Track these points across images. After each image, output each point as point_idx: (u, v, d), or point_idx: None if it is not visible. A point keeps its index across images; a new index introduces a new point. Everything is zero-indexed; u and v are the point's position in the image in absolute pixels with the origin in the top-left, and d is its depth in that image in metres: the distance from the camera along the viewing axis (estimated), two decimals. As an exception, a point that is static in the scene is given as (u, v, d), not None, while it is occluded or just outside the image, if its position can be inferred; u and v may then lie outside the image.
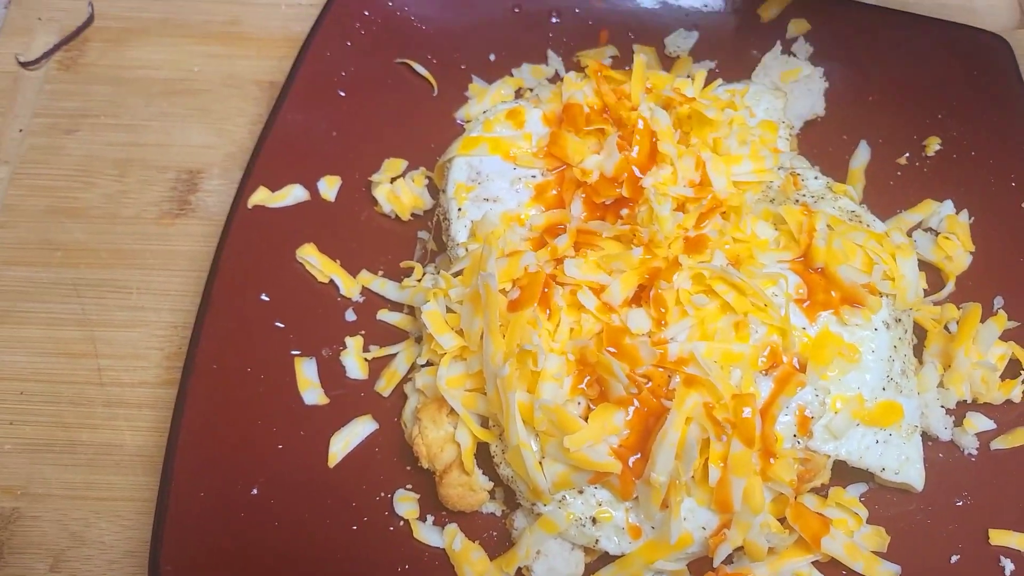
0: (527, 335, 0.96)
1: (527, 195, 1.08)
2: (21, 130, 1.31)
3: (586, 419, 0.94)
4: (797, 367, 0.97)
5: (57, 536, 1.06)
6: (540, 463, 0.95)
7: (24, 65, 1.36)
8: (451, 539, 1.01)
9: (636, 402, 0.95)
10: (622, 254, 1.00)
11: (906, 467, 1.01)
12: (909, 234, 1.16)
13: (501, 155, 1.11)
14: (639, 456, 0.94)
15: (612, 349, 0.96)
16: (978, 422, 1.05)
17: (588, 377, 0.96)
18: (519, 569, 0.99)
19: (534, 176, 1.09)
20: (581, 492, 0.97)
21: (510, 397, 0.94)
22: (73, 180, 1.28)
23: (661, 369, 0.96)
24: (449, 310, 1.04)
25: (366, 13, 1.29)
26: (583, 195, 1.06)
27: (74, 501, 1.08)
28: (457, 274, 1.04)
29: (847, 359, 0.98)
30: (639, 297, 0.99)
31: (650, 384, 0.96)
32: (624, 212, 1.06)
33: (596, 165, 1.08)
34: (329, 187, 1.18)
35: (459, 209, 1.09)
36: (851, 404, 0.98)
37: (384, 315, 1.13)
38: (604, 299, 0.98)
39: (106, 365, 1.15)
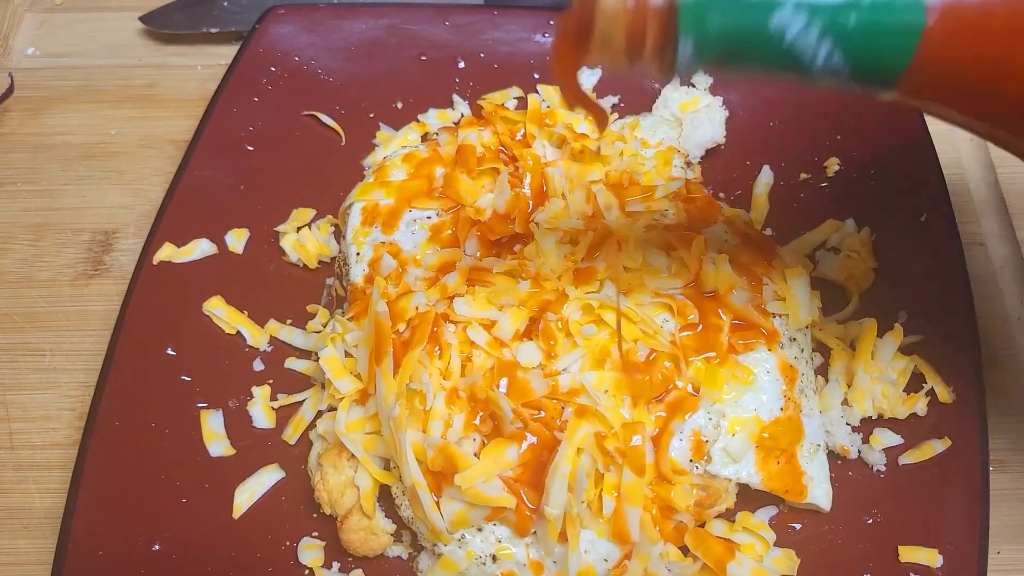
0: (417, 374, 0.96)
1: (423, 236, 1.08)
2: (-60, 200, 1.32)
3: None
4: (692, 392, 0.97)
5: (-37, 604, 1.05)
6: (437, 503, 0.94)
7: (-56, 137, 1.37)
8: None
9: (529, 436, 0.94)
10: (510, 288, 1.00)
11: (811, 487, 1.00)
12: (813, 254, 1.18)
13: (397, 199, 1.11)
14: (535, 490, 0.94)
15: (504, 383, 0.96)
16: (885, 438, 1.04)
17: (481, 413, 0.96)
18: (425, 613, 0.98)
19: (429, 217, 1.09)
20: (480, 530, 0.96)
21: (402, 437, 0.94)
22: (-11, 247, 1.28)
23: (554, 401, 0.96)
24: (348, 354, 1.04)
25: (272, 69, 1.31)
26: (478, 234, 1.06)
27: (-18, 567, 1.07)
28: (353, 318, 1.05)
29: (741, 381, 0.98)
30: (531, 331, 1.00)
31: (543, 415, 0.96)
32: (517, 248, 1.06)
33: (489, 203, 1.09)
34: (237, 240, 1.20)
35: (357, 253, 1.10)
36: (748, 426, 0.98)
37: (291, 363, 1.14)
38: (495, 334, 0.99)
39: (17, 428, 1.15)
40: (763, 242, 1.08)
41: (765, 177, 1.25)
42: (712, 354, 0.99)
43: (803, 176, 1.24)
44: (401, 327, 1.01)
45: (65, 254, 1.29)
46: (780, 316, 1.01)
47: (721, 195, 1.25)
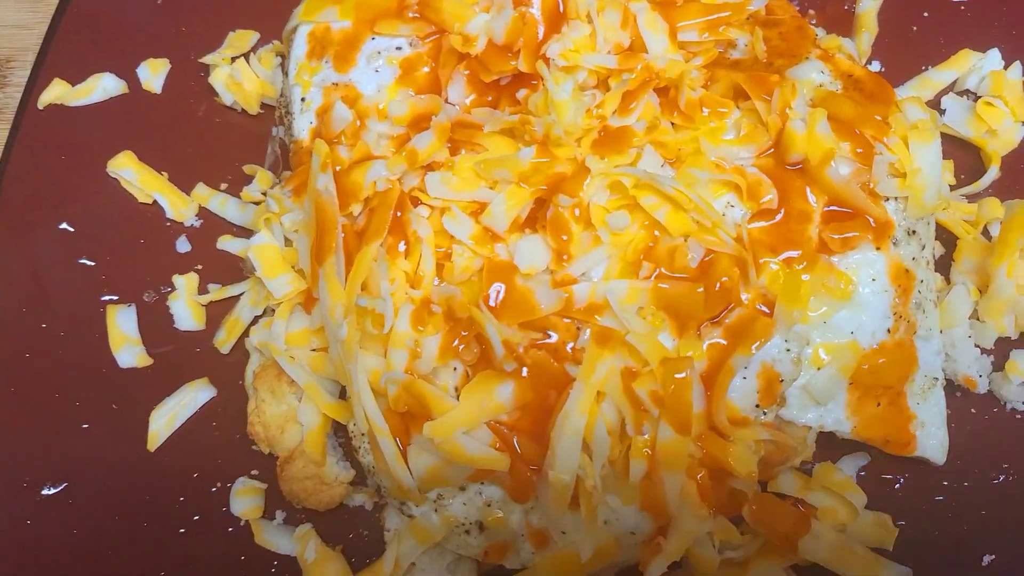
0: (373, 281, 0.70)
1: (391, 75, 0.83)
2: None
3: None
4: (764, 310, 0.72)
5: None
6: (403, 452, 0.72)
7: None
8: (304, 546, 0.79)
9: (527, 369, 0.70)
10: (506, 157, 0.73)
11: (921, 436, 0.77)
12: (937, 101, 0.91)
13: (355, 20, 0.82)
14: (538, 443, 0.70)
15: (496, 293, 0.70)
16: (1027, 365, 0.80)
17: (464, 333, 0.71)
18: (393, 584, 0.77)
19: (399, 48, 0.83)
20: (463, 489, 0.74)
21: (353, 368, 0.68)
22: None
23: (567, 320, 0.71)
24: (289, 241, 0.79)
25: None
26: (466, 72, 0.81)
27: None
28: (293, 191, 0.77)
29: (835, 293, 0.74)
30: (535, 219, 0.74)
31: (555, 339, 0.71)
32: (522, 94, 0.79)
33: (483, 29, 0.81)
34: (153, 74, 0.96)
35: (302, 99, 0.82)
36: (841, 355, 0.74)
37: (225, 243, 0.90)
38: (484, 223, 0.74)
39: None
40: (876, 88, 0.78)
41: (875, -14, 0.95)
42: (795, 254, 0.73)
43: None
44: (356, 209, 0.75)
45: (-54, 90, 1.02)
46: (896, 199, 0.77)
47: (811, 12, 0.95)
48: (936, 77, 0.91)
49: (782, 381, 0.71)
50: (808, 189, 0.74)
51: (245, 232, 0.91)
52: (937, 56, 0.93)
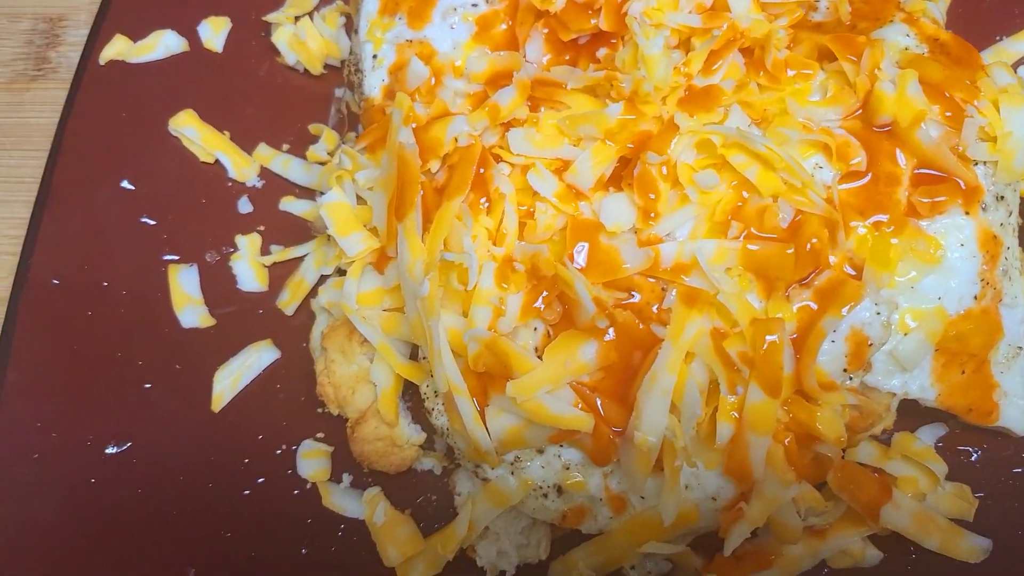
0: (456, 237, 0.70)
1: (466, 32, 0.83)
2: None
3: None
4: (852, 272, 0.71)
5: None
6: (481, 414, 0.71)
7: None
8: (372, 508, 0.78)
9: (612, 329, 0.69)
10: (593, 114, 0.72)
11: (1004, 405, 0.77)
12: (1014, 69, 0.86)
13: None
14: (620, 405, 0.69)
15: (580, 253, 0.69)
16: (1110, 339, 0.79)
17: (546, 293, 0.70)
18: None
19: (475, 5, 0.84)
20: (541, 452, 0.73)
21: (434, 325, 0.68)
22: (-96, 36, 1.01)
23: (653, 280, 0.71)
24: (361, 199, 0.79)
25: None
26: (544, 30, 0.81)
27: None
28: (367, 148, 0.76)
29: (923, 258, 0.73)
30: (619, 177, 0.73)
31: (638, 299, 0.70)
32: (603, 53, 0.78)
33: None
34: (214, 32, 0.97)
35: (374, 56, 0.82)
36: (929, 321, 0.73)
37: (288, 204, 0.90)
38: (568, 180, 0.73)
39: (-63, 274, 0.94)
40: (962, 53, 0.78)
41: (949, -50, 0.94)
42: (884, 218, 0.73)
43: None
44: (434, 166, 0.74)
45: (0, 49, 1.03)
46: (985, 163, 0.76)
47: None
48: (1011, 47, 0.91)
49: (871, 345, 0.70)
50: (897, 151, 0.72)
51: (307, 193, 0.90)
52: (1010, 26, 0.92)
